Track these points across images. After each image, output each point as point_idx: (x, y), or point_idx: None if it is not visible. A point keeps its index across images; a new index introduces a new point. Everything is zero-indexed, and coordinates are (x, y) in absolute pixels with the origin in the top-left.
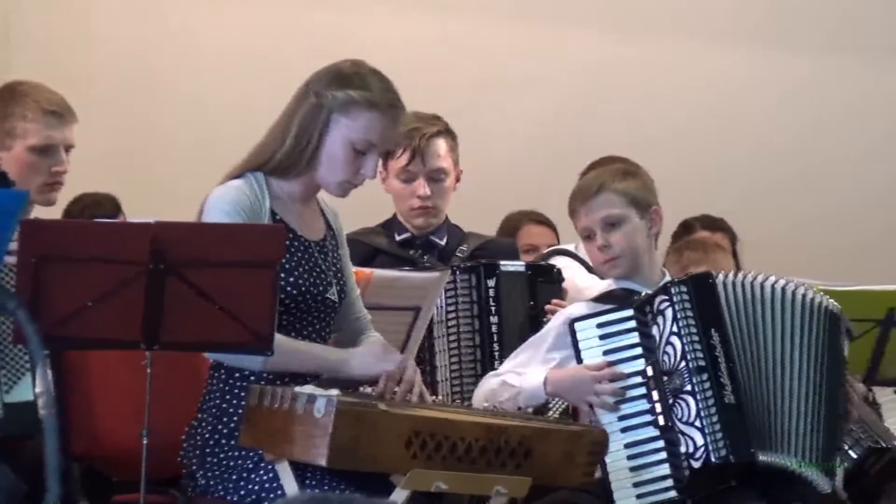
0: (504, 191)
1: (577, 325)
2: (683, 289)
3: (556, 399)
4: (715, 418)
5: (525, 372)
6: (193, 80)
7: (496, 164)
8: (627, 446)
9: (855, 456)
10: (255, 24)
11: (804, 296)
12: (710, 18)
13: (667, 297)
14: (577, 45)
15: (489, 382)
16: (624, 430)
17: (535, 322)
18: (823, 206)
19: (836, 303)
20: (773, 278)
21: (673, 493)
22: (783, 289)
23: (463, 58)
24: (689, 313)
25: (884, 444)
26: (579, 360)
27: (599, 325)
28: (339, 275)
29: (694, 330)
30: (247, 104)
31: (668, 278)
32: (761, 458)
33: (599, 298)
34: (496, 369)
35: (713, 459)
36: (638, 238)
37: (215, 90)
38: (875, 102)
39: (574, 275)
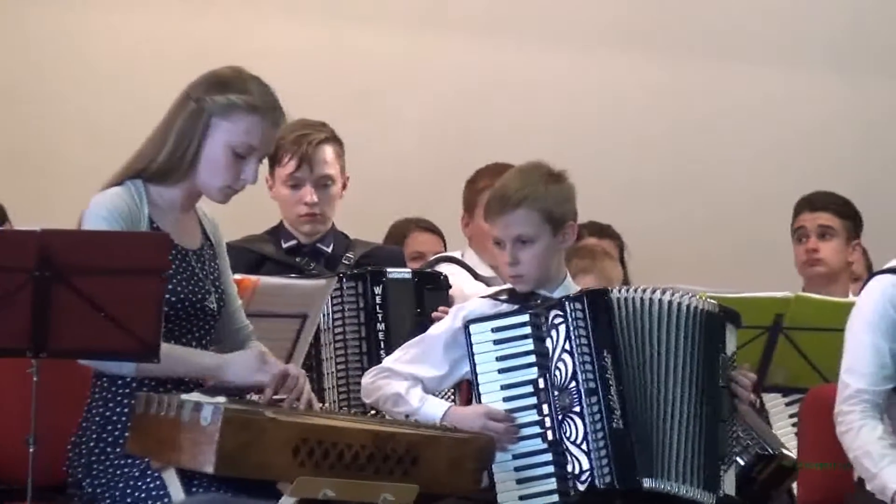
0: (387, 199)
1: (472, 328)
2: (578, 306)
3: None
4: (602, 443)
5: (427, 380)
6: (79, 86)
7: (378, 171)
8: (515, 457)
9: (742, 463)
10: (142, 29)
11: (688, 306)
12: (588, 24)
13: (561, 313)
14: (457, 52)
15: (387, 384)
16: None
17: (421, 329)
18: (710, 213)
19: (713, 301)
20: (659, 291)
21: None
22: (669, 301)
23: (343, 66)
24: (583, 332)
25: (771, 451)
26: (472, 363)
27: (494, 330)
28: (217, 283)
29: (586, 350)
30: (134, 110)
31: (569, 280)
32: (647, 484)
33: (499, 294)
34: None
35: (598, 485)
36: (548, 255)
37: (102, 96)
38: (760, 108)
39: (461, 282)
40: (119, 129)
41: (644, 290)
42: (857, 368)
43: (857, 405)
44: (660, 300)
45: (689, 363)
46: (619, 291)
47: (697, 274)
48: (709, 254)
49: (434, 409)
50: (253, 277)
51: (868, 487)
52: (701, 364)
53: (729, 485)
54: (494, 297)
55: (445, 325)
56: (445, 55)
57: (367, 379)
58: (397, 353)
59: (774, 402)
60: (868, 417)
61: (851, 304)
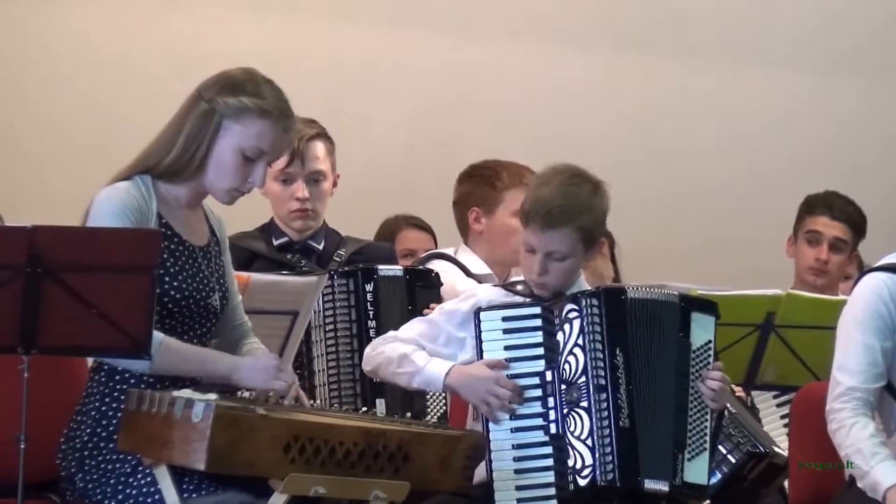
0: (364, 198)
1: (482, 315)
2: (594, 302)
3: (434, 401)
4: (607, 440)
5: (432, 352)
6: (43, 84)
7: (354, 170)
8: (515, 447)
9: (734, 461)
10: (106, 29)
11: (673, 304)
12: (564, 21)
13: (577, 308)
14: (430, 49)
15: (391, 348)
16: (514, 430)
17: None
18: (699, 215)
19: (673, 293)
20: (667, 291)
21: (554, 503)
22: (666, 303)
23: (316, 65)
24: (597, 328)
25: (762, 449)
26: (479, 350)
27: (505, 319)
28: (222, 281)
29: (599, 346)
30: (97, 109)
31: (581, 279)
32: (648, 485)
33: (513, 286)
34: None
35: (599, 481)
36: (575, 269)
37: (65, 94)
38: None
39: (452, 279)
40: (81, 128)
41: (652, 290)
42: (848, 366)
43: (848, 403)
44: (662, 302)
45: (669, 361)
46: (634, 290)
47: (689, 271)
48: (699, 251)
49: (438, 367)
50: (244, 274)
51: (859, 485)
52: (663, 354)
53: (695, 474)
54: (508, 287)
55: (454, 306)
56: (418, 52)
57: (368, 348)
58: (402, 327)
59: (765, 400)
60: (859, 415)
61: (843, 302)
